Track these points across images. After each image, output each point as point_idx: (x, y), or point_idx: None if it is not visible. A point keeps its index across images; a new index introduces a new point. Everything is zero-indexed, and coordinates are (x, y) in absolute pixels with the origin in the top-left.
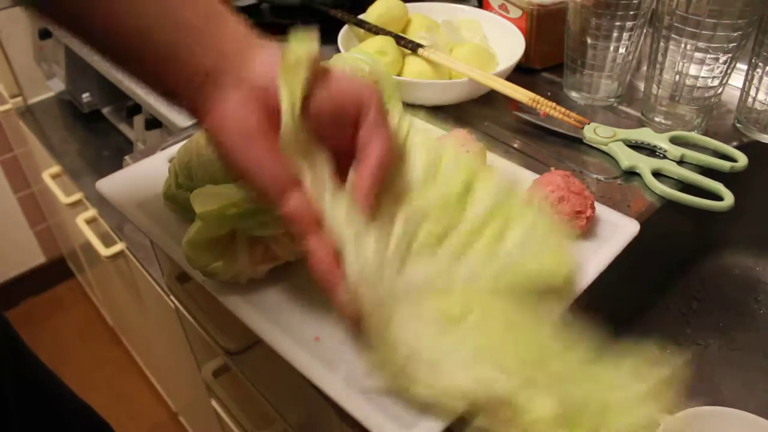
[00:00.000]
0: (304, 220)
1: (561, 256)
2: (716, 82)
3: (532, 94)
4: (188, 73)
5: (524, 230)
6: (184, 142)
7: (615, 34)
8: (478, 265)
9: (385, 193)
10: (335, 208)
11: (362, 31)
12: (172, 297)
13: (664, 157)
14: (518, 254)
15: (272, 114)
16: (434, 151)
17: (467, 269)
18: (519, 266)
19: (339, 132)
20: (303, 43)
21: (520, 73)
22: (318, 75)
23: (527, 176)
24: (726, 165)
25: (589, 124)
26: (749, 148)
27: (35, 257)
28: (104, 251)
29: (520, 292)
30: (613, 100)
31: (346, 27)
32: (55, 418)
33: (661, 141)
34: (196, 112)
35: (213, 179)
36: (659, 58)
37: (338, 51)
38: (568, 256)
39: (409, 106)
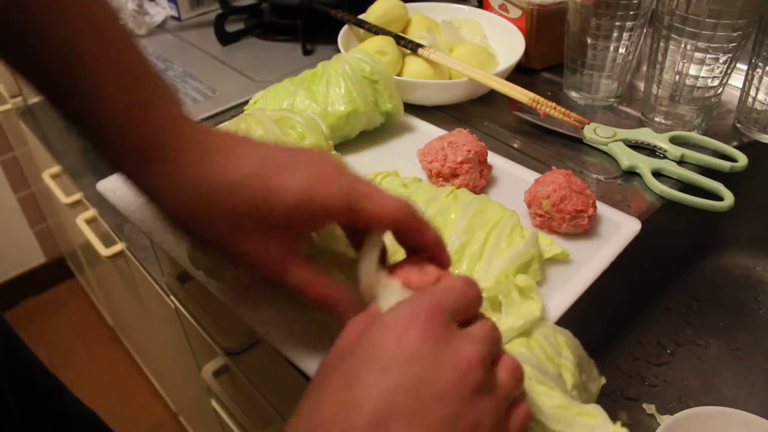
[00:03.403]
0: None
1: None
2: (716, 82)
3: (532, 94)
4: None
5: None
6: None
7: (615, 34)
8: None
9: None
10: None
11: (362, 31)
12: (172, 297)
13: (664, 157)
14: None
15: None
16: None
17: None
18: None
19: None
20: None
21: (520, 73)
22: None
23: (527, 176)
24: (726, 165)
25: (589, 124)
26: (749, 148)
27: (35, 257)
28: (104, 251)
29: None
30: (613, 100)
31: (346, 27)
32: (59, 421)
33: (661, 141)
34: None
35: None
36: (659, 58)
37: (338, 51)
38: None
39: (410, 106)
